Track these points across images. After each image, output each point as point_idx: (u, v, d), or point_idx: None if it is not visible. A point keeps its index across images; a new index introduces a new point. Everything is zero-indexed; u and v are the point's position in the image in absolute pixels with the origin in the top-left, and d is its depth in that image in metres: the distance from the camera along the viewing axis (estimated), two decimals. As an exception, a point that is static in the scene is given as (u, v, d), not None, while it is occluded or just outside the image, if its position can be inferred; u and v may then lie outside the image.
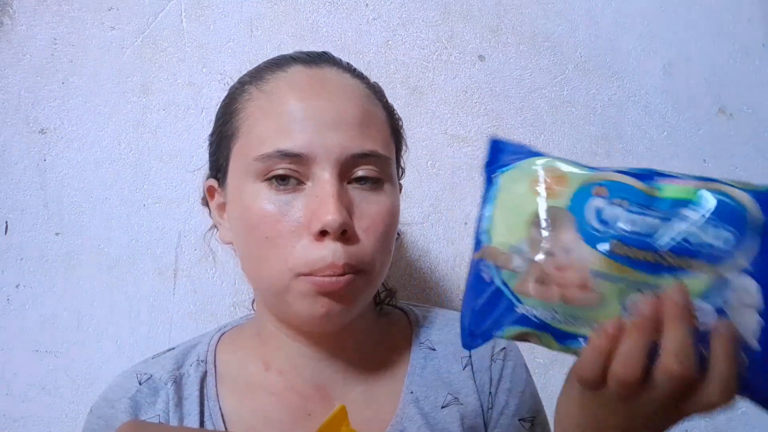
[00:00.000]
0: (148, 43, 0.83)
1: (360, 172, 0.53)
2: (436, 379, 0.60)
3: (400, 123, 0.63)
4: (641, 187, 0.39)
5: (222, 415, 0.55)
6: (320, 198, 0.50)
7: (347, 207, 0.51)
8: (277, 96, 0.54)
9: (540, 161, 0.42)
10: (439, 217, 0.90)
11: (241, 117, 0.55)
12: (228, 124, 0.57)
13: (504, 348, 0.63)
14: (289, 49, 0.88)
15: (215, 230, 0.70)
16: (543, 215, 0.40)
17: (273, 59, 0.60)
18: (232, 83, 0.58)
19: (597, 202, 0.39)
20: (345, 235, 0.51)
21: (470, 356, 0.61)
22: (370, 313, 0.63)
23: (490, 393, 0.60)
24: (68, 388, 0.74)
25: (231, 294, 0.80)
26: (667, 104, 1.05)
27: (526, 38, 0.99)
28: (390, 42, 0.93)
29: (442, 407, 0.58)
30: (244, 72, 0.58)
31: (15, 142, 0.78)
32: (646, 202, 0.38)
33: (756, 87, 1.11)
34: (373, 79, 0.62)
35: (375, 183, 0.54)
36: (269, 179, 0.52)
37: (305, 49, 0.87)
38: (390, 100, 0.62)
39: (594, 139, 1.00)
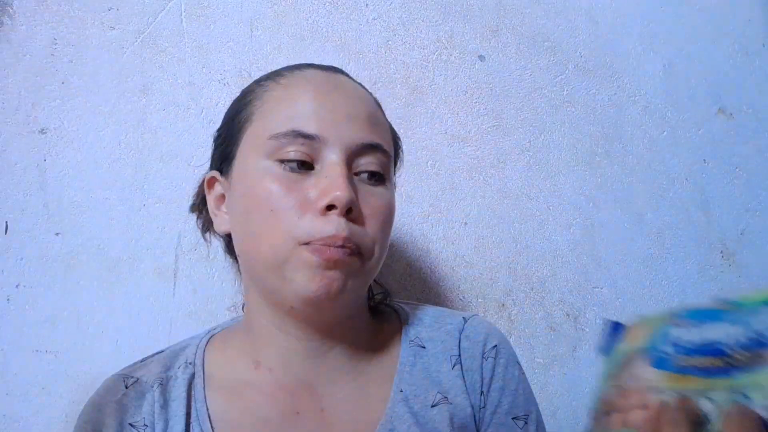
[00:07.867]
0: (148, 43, 0.83)
1: (365, 165, 0.55)
2: (426, 377, 0.60)
3: (400, 142, 0.67)
4: (721, 306, 0.40)
5: (209, 416, 0.55)
6: (330, 177, 0.52)
7: (354, 192, 0.53)
8: (294, 88, 0.57)
9: (639, 320, 0.45)
10: (439, 217, 0.90)
11: (256, 105, 0.57)
12: (241, 113, 0.58)
13: (495, 345, 0.62)
14: (289, 50, 0.89)
15: (212, 233, 0.70)
16: (620, 361, 0.43)
17: (290, 65, 0.62)
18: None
19: (674, 331, 0.41)
20: (350, 214, 0.52)
21: (459, 355, 0.61)
22: (362, 312, 0.63)
23: (482, 392, 0.60)
24: (68, 388, 0.74)
25: (231, 294, 0.80)
26: (667, 104, 1.05)
27: (526, 38, 0.99)
28: (390, 42, 0.92)
29: (432, 406, 0.58)
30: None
31: (15, 142, 0.77)
32: (723, 316, 0.39)
33: (756, 87, 1.11)
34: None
35: (378, 178, 0.57)
36: (280, 160, 0.53)
37: (305, 50, 0.88)
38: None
39: (594, 139, 1.00)
